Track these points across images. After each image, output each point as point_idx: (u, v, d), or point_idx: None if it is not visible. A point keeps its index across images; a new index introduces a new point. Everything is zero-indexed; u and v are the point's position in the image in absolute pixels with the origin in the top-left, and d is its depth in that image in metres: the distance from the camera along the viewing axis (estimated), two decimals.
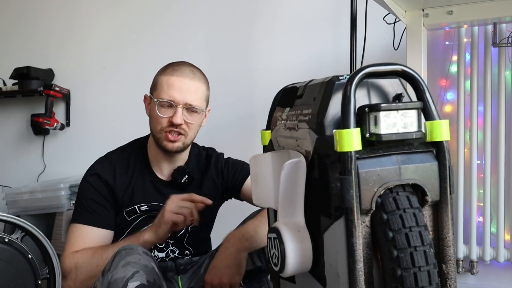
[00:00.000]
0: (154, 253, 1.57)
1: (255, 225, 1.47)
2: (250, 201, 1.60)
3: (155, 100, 1.52)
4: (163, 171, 1.61)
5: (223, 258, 1.42)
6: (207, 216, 1.62)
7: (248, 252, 1.44)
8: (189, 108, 1.51)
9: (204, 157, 1.69)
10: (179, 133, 1.52)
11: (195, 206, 1.43)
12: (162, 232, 1.42)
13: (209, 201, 1.46)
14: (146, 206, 1.57)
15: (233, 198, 1.72)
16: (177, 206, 1.41)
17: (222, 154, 1.73)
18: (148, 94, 1.59)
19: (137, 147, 1.64)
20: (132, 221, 1.56)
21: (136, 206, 1.56)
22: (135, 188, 1.57)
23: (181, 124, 1.50)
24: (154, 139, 1.57)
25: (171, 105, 1.50)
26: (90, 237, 1.49)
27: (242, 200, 1.68)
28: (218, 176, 1.66)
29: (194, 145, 1.70)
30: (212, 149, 1.74)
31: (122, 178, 1.57)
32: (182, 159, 1.62)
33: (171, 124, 1.50)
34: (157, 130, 1.53)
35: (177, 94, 1.49)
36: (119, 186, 1.56)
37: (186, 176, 1.58)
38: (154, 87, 1.56)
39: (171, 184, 1.59)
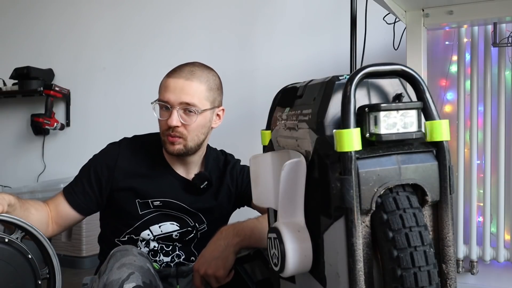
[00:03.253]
0: (159, 257, 1.56)
1: (254, 225, 1.46)
2: (260, 210, 1.60)
3: (152, 103, 1.52)
4: (178, 171, 1.60)
5: (212, 250, 1.41)
6: (218, 224, 1.62)
7: (238, 248, 1.43)
8: (186, 109, 1.48)
9: (222, 163, 1.67)
10: (178, 136, 1.50)
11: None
12: None
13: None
14: (159, 202, 1.56)
15: (245, 206, 1.72)
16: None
17: (239, 161, 1.71)
18: None
19: (153, 140, 1.62)
20: (143, 215, 1.56)
21: (149, 201, 1.55)
22: (151, 181, 1.56)
23: (177, 127, 1.48)
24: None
25: (168, 107, 1.49)
26: (60, 206, 1.55)
27: (253, 208, 1.67)
28: (233, 183, 1.65)
29: (212, 149, 1.68)
30: (231, 156, 1.72)
31: (124, 164, 1.56)
32: (196, 162, 1.60)
33: (169, 127, 1.49)
34: (161, 133, 1.54)
35: (171, 95, 1.48)
36: (118, 170, 1.55)
37: (206, 183, 1.57)
38: (159, 90, 1.56)
39: (189, 184, 1.58)
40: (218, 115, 1.58)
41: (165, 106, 1.49)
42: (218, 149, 1.75)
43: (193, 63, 1.55)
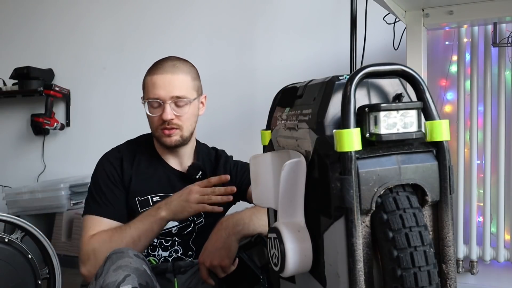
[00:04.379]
0: (158, 252, 1.58)
1: (251, 213, 1.48)
2: None
3: (143, 101, 1.57)
4: (172, 165, 1.64)
5: (214, 241, 1.43)
6: (215, 217, 1.63)
7: (239, 236, 1.45)
8: (177, 102, 1.54)
9: (213, 157, 1.72)
10: (175, 128, 1.55)
11: (215, 191, 1.45)
12: (183, 216, 1.46)
13: (227, 177, 1.48)
14: (158, 197, 1.58)
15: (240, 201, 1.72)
16: (200, 197, 1.44)
17: (231, 156, 1.75)
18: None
19: (144, 140, 1.68)
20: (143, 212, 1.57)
21: (149, 197, 1.58)
22: (149, 177, 1.60)
23: (172, 119, 1.53)
24: (155, 138, 1.62)
25: (159, 103, 1.53)
26: (105, 226, 1.51)
27: (249, 202, 1.68)
28: None
29: (203, 145, 1.73)
30: (222, 151, 1.76)
31: (128, 166, 1.60)
32: (188, 154, 1.65)
33: (163, 121, 1.53)
34: (154, 129, 1.58)
35: (161, 91, 1.53)
36: (126, 173, 1.59)
37: (200, 173, 1.61)
38: (143, 89, 1.61)
39: (184, 177, 1.61)
40: (202, 102, 1.65)
41: (156, 103, 1.54)
42: (218, 149, 1.76)
43: (169, 57, 1.61)
